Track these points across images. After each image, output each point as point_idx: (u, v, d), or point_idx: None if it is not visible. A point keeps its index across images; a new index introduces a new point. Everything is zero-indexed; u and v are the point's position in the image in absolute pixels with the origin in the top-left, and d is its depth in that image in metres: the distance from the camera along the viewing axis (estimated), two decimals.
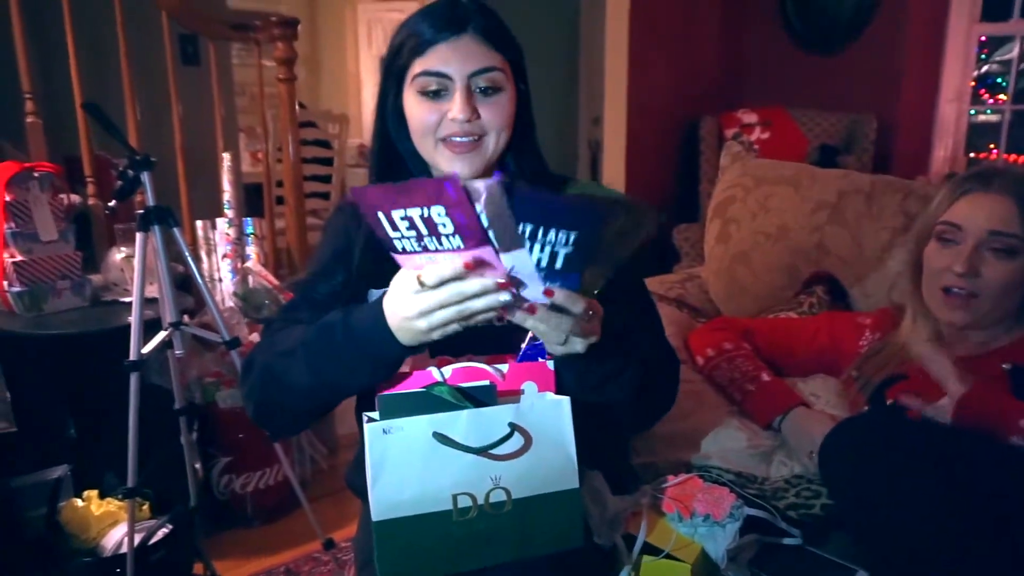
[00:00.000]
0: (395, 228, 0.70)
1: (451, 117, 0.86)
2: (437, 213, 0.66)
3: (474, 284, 0.69)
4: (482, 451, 0.74)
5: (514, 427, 0.75)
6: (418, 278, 0.71)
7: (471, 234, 0.66)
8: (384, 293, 0.77)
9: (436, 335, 0.73)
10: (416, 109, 0.88)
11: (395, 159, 0.95)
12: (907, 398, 1.04)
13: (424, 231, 0.68)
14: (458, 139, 0.87)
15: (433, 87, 0.86)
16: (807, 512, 1.05)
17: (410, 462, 0.73)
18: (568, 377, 0.81)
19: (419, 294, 0.71)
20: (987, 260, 1.10)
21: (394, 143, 0.94)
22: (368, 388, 0.84)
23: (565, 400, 0.78)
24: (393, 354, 0.77)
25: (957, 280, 1.10)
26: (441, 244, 0.68)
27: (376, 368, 0.80)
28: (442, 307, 0.71)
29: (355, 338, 0.79)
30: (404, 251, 0.72)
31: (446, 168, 0.89)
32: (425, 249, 0.70)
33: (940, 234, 1.14)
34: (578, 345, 0.74)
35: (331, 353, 0.82)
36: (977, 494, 0.88)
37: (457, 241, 0.67)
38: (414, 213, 0.67)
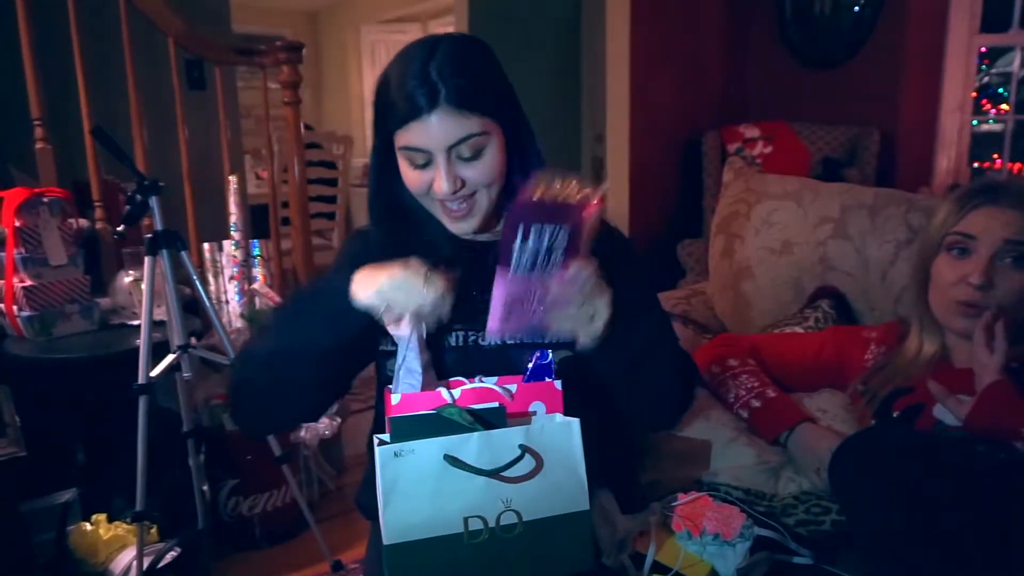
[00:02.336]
0: (525, 239, 0.76)
1: (436, 190, 0.88)
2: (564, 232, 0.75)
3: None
4: (493, 473, 0.75)
5: (525, 449, 0.75)
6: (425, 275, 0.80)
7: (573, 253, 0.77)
8: None
9: (376, 298, 0.80)
10: (408, 175, 0.90)
11: (397, 208, 0.97)
12: (931, 385, 1.05)
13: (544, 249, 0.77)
14: (451, 205, 0.90)
15: (419, 161, 0.88)
16: (817, 528, 1.05)
17: (421, 485, 0.74)
18: (602, 360, 0.85)
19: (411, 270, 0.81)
20: (1001, 271, 1.09)
21: (396, 193, 0.96)
22: (323, 348, 0.88)
23: (575, 422, 0.78)
24: (344, 306, 0.83)
25: (973, 294, 1.10)
26: (547, 266, 0.77)
27: (329, 322, 0.85)
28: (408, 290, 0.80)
29: (320, 290, 0.88)
30: (516, 269, 0.78)
31: (447, 225, 0.93)
32: (532, 269, 0.78)
33: (952, 245, 1.14)
34: (599, 315, 0.80)
35: (296, 310, 0.89)
36: (988, 506, 0.87)
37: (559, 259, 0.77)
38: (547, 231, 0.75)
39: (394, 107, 0.86)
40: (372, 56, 6.31)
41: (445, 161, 0.86)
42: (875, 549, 0.96)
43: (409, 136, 0.86)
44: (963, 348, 1.17)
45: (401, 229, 0.96)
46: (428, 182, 0.88)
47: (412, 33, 6.11)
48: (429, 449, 0.74)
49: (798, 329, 1.50)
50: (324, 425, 2.07)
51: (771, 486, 1.12)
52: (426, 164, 0.88)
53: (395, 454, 0.73)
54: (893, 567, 0.94)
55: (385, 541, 0.74)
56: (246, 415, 0.98)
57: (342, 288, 0.83)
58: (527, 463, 0.75)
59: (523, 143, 0.94)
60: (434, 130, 0.85)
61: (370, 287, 0.81)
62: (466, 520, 0.74)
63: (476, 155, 0.88)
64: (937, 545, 0.87)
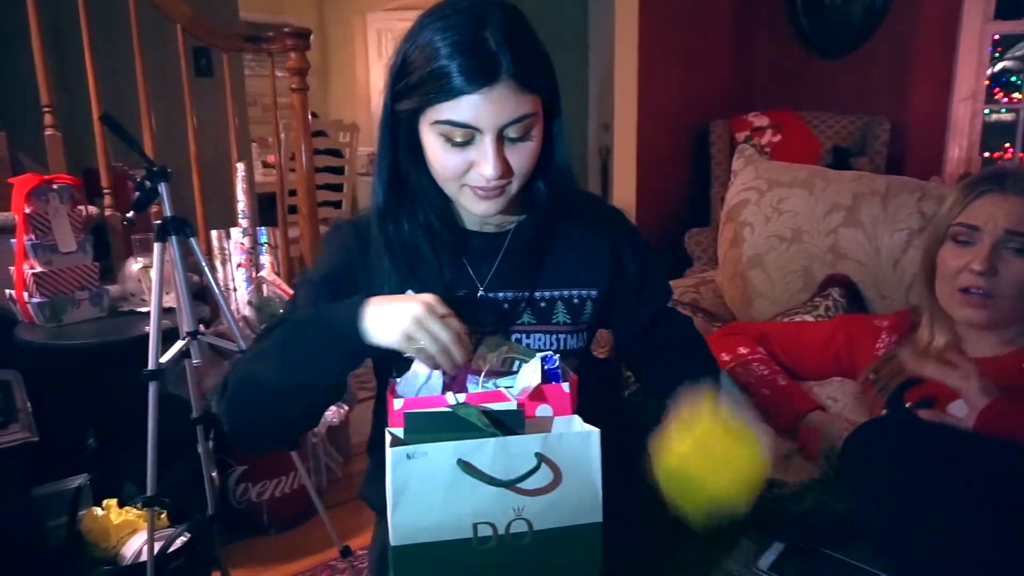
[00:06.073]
0: None
1: (482, 173, 0.80)
2: None
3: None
4: (509, 484, 0.72)
5: (541, 458, 0.72)
6: (445, 309, 0.78)
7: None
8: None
9: (398, 338, 0.77)
10: (440, 155, 0.82)
11: (407, 190, 0.90)
12: (923, 412, 1.03)
13: None
14: (487, 186, 0.83)
15: (459, 137, 0.79)
16: (827, 516, 1.05)
17: (433, 489, 0.72)
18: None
19: (432, 313, 0.77)
20: (1005, 259, 1.09)
21: (405, 175, 0.89)
22: (328, 384, 0.85)
23: (595, 432, 0.75)
24: (359, 345, 0.79)
25: (975, 280, 1.10)
26: None
27: (340, 359, 0.82)
28: (434, 332, 0.76)
29: (328, 324, 0.81)
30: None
31: (469, 206, 0.86)
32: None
33: (956, 236, 1.14)
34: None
35: (301, 343, 0.83)
36: (1001, 497, 0.87)
37: None
38: None
39: (440, 77, 0.76)
40: (378, 43, 6.28)
41: (495, 142, 0.79)
42: (885, 537, 0.96)
43: (455, 111, 0.77)
44: (973, 337, 1.17)
45: (403, 214, 0.90)
46: (465, 163, 0.81)
47: None
48: (442, 452, 0.71)
49: (808, 318, 1.49)
50: (332, 413, 2.08)
51: (780, 473, 1.12)
52: (466, 143, 0.80)
53: (408, 456, 0.71)
54: (903, 554, 0.94)
55: (393, 542, 0.72)
56: (250, 439, 0.96)
57: (351, 322, 0.78)
58: (544, 475, 0.73)
59: (554, 131, 0.87)
60: (490, 107, 0.76)
61: (391, 329, 0.76)
62: (475, 526, 0.73)
63: (523, 137, 0.81)
64: (949, 537, 0.87)
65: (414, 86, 0.79)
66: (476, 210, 0.86)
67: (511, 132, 0.80)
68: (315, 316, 0.84)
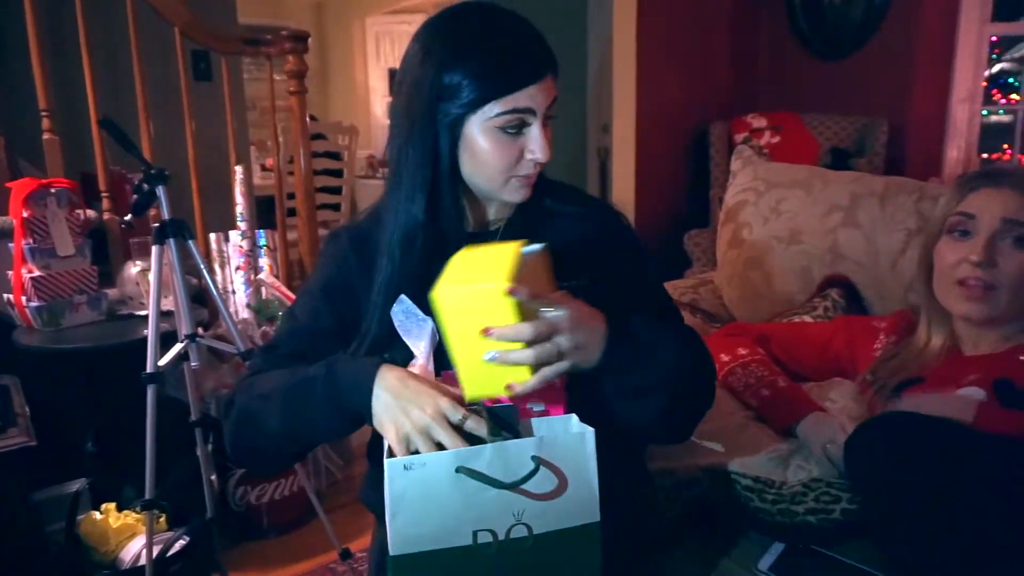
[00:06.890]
0: None
1: (535, 159, 0.88)
2: None
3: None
4: (513, 487, 0.72)
5: (539, 461, 0.73)
6: (460, 415, 0.76)
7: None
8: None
9: (395, 439, 0.77)
10: (498, 147, 0.88)
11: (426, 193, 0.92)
12: (929, 397, 1.03)
13: None
14: (531, 175, 0.91)
15: (515, 125, 0.87)
16: (826, 517, 1.04)
17: (431, 498, 0.72)
18: (607, 387, 0.84)
19: (440, 424, 0.75)
20: (1003, 250, 1.08)
21: (436, 174, 0.91)
22: (331, 440, 0.88)
23: (589, 432, 0.75)
24: (365, 413, 0.81)
25: (973, 271, 1.09)
26: None
27: (342, 425, 0.85)
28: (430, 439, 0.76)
29: (336, 385, 0.83)
30: None
31: (511, 196, 0.92)
32: None
33: (953, 226, 1.13)
34: (572, 359, 0.77)
35: (307, 402, 0.85)
36: (1005, 493, 0.86)
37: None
38: None
39: (508, 72, 0.85)
40: (377, 47, 6.29)
41: (542, 125, 0.88)
42: (888, 536, 0.95)
43: (518, 100, 0.86)
44: (972, 336, 1.16)
45: (415, 215, 0.92)
46: (517, 152, 0.88)
47: (417, 24, 6.06)
48: (440, 462, 0.72)
49: (807, 318, 1.49)
50: None
51: (780, 474, 1.11)
52: (517, 133, 0.87)
53: (405, 467, 0.71)
54: (906, 555, 0.94)
55: (391, 551, 0.73)
56: (252, 466, 1.00)
57: (359, 395, 0.80)
58: (550, 481, 0.73)
59: None
60: (542, 94, 0.87)
61: (389, 426, 0.77)
62: (475, 533, 0.73)
63: (547, 123, 0.90)
64: (953, 535, 0.87)
65: (474, 85, 0.85)
66: (516, 198, 0.92)
67: (549, 113, 0.89)
68: (326, 372, 0.85)
